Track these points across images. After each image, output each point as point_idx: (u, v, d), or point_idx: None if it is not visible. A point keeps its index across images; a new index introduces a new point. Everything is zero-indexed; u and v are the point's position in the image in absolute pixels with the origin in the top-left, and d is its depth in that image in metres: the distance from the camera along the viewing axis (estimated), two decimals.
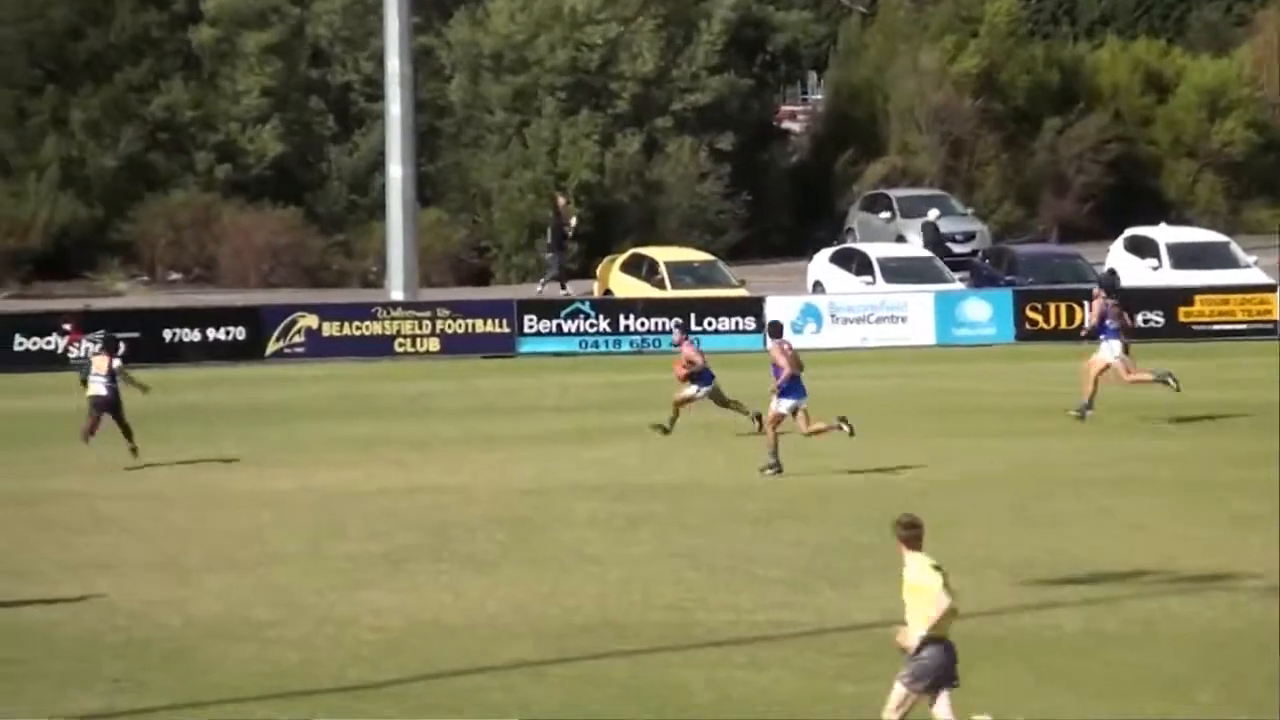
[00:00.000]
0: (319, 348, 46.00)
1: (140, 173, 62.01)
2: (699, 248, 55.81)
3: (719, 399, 32.15)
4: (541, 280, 55.08)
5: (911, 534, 14.34)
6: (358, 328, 46.62)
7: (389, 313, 47.38)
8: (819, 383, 30.32)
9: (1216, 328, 48.03)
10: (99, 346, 32.06)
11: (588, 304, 48.26)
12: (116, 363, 29.94)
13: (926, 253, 53.23)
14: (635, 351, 46.39)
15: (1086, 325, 35.30)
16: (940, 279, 50.05)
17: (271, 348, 46.04)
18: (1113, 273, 35.94)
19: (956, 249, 56.53)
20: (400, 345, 46.70)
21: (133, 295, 56.10)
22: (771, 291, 49.83)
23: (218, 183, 62.09)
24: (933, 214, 58.09)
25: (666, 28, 64.74)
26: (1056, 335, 46.08)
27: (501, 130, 63.71)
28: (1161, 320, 47.59)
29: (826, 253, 53.76)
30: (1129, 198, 64.84)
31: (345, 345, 46.21)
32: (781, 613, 20.20)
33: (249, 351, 45.64)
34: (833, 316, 48.03)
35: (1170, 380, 32.81)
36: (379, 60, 56.00)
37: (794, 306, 47.68)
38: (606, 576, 21.91)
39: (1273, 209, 68.04)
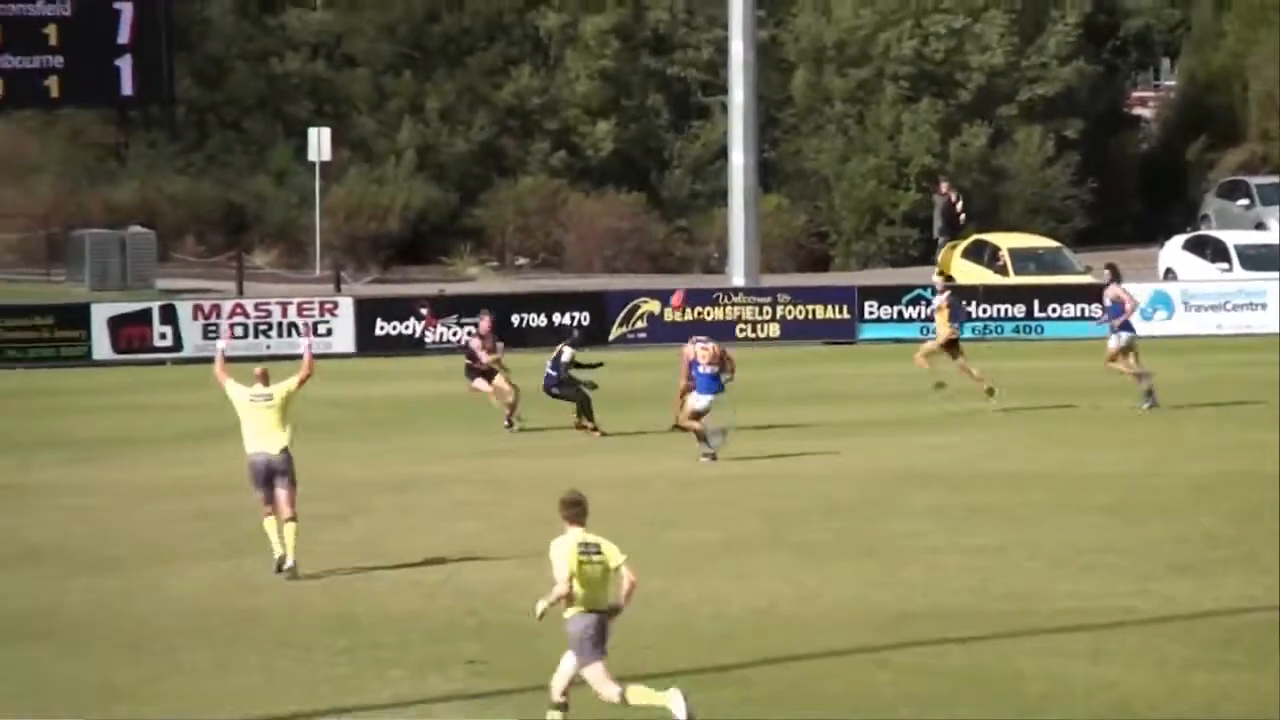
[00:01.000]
0: (662, 333, 46.44)
1: (491, 158, 63.13)
2: (1044, 234, 55.24)
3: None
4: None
5: (572, 511, 15.02)
6: (699, 313, 47.01)
7: (730, 298, 47.68)
8: (1171, 371, 29.77)
9: None
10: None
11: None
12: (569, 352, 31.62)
13: None
14: (976, 338, 46.04)
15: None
16: None
17: (615, 333, 46.61)
18: (1111, 266, 35.57)
19: None
20: (741, 331, 46.97)
21: (483, 280, 57.10)
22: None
23: (563, 169, 62.92)
24: None
25: (1018, 18, 64.08)
26: None
27: (840, 119, 63.62)
28: None
29: (1179, 240, 52.95)
30: None
31: (687, 330, 46.36)
32: (1126, 600, 19.87)
33: (593, 336, 46.13)
34: (1185, 304, 47.35)
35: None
36: (720, 49, 56.26)
37: (1144, 293, 46.93)
38: (944, 565, 21.78)
39: None
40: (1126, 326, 33.70)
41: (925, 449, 29.94)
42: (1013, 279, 48.77)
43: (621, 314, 46.70)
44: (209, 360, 29.96)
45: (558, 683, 15.24)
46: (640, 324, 46.81)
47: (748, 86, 51.46)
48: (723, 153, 55.40)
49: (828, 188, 62.85)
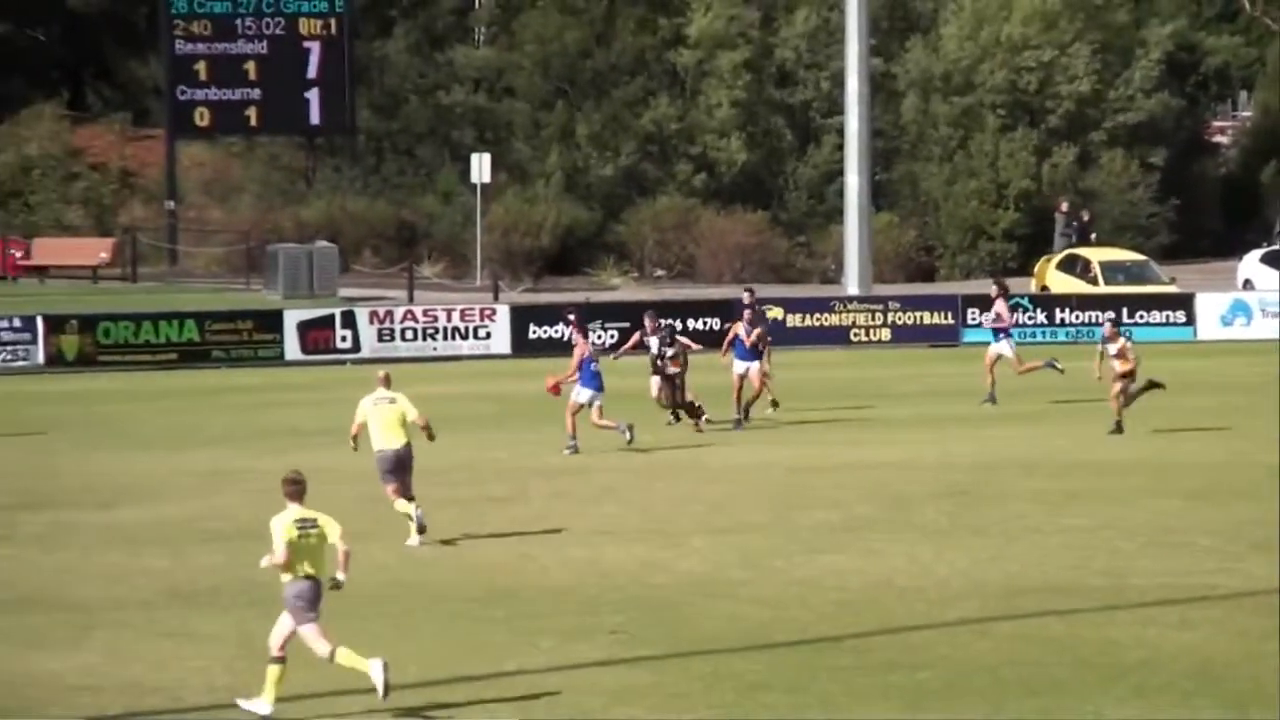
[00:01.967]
0: (784, 337, 46.02)
1: (633, 180, 63.04)
2: (1131, 249, 54.61)
3: None
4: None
5: (292, 489, 15.16)
6: (818, 319, 46.68)
7: (845, 306, 47.28)
8: (1251, 370, 29.21)
9: None
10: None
11: (1026, 299, 47.54)
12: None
13: None
14: (1070, 342, 45.54)
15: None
16: None
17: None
18: (999, 282, 35.58)
19: None
20: (855, 335, 46.61)
21: (625, 289, 56.96)
22: (1201, 289, 48.57)
23: (696, 189, 62.76)
24: None
25: (1102, 53, 63.46)
26: None
27: (946, 144, 63.17)
28: None
29: (1256, 253, 52.63)
30: None
31: (807, 335, 46.21)
32: (1212, 577, 19.51)
33: (720, 341, 45.78)
34: (1262, 311, 46.72)
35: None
36: (837, 80, 55.86)
37: (1224, 302, 46.76)
38: (1045, 544, 21.41)
39: None
40: (1008, 334, 34.18)
41: (1026, 440, 29.50)
42: (1103, 289, 48.22)
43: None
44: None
45: (274, 640, 15.29)
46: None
47: (861, 116, 51.03)
48: (839, 174, 54.95)
49: (935, 207, 62.38)
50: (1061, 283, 49.73)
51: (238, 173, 65.86)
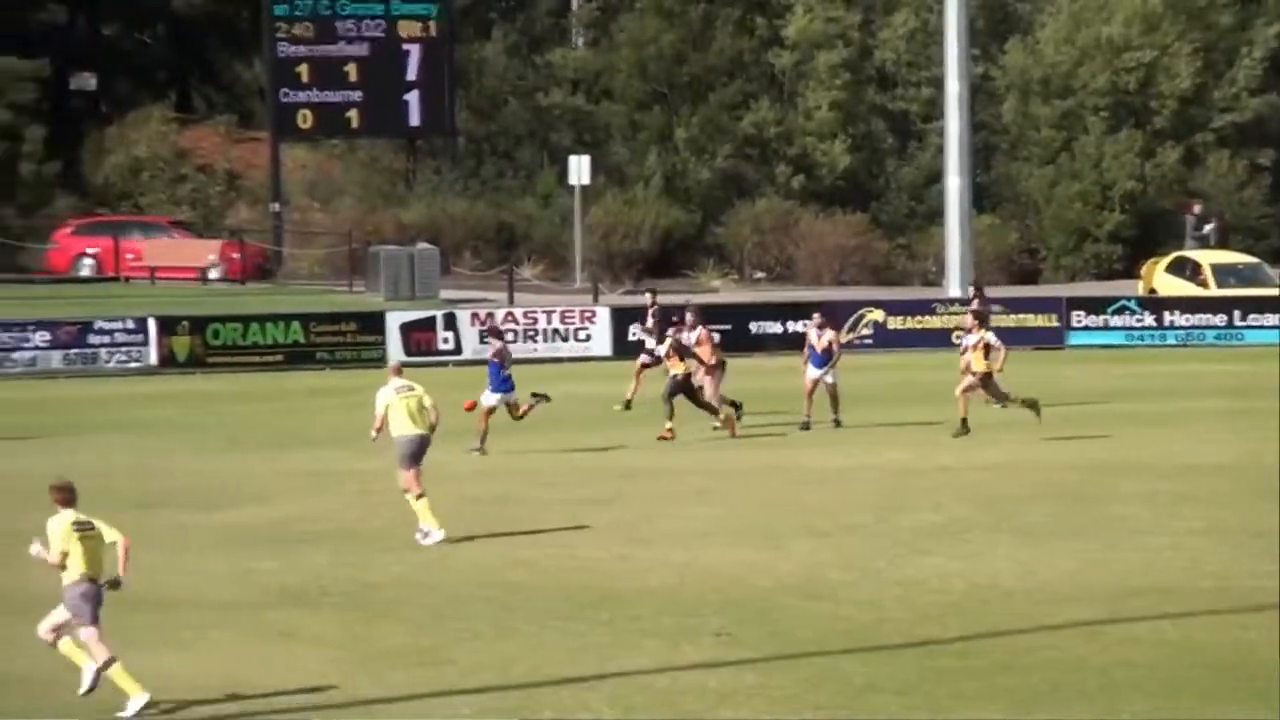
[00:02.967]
0: (885, 339, 45.91)
1: (731, 183, 62.98)
2: (1241, 251, 54.03)
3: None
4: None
5: (63, 495, 15.37)
6: (919, 322, 46.40)
7: (947, 308, 46.96)
8: None
9: None
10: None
11: (1134, 301, 47.13)
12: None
13: None
14: (1179, 345, 45.15)
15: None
16: None
17: (844, 338, 46.00)
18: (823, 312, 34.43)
19: None
20: (957, 338, 46.09)
21: (725, 291, 56.86)
22: None
23: (795, 192, 62.62)
24: None
25: (1204, 53, 62.82)
26: None
27: (1048, 145, 62.74)
28: None
29: None
30: None
31: (908, 337, 45.99)
32: None
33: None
34: None
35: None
36: (937, 84, 55.59)
37: None
38: (1154, 546, 21.16)
39: None
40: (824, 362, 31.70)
41: (1132, 442, 29.18)
42: (1214, 291, 47.70)
43: (849, 321, 46.10)
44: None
45: (43, 627, 15.51)
46: (866, 331, 46.23)
47: (961, 118, 50.80)
48: (939, 177, 54.69)
49: (1037, 210, 61.95)
50: (1170, 285, 49.23)
51: (339, 175, 66.25)
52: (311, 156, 66.73)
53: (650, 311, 34.28)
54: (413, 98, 61.48)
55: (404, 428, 22.40)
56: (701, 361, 31.31)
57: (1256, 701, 15.23)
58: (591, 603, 19.11)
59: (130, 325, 43.12)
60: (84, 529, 15.31)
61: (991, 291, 51.30)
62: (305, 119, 61.15)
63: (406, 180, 64.63)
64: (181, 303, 49.56)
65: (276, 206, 61.78)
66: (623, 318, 45.65)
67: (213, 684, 16.10)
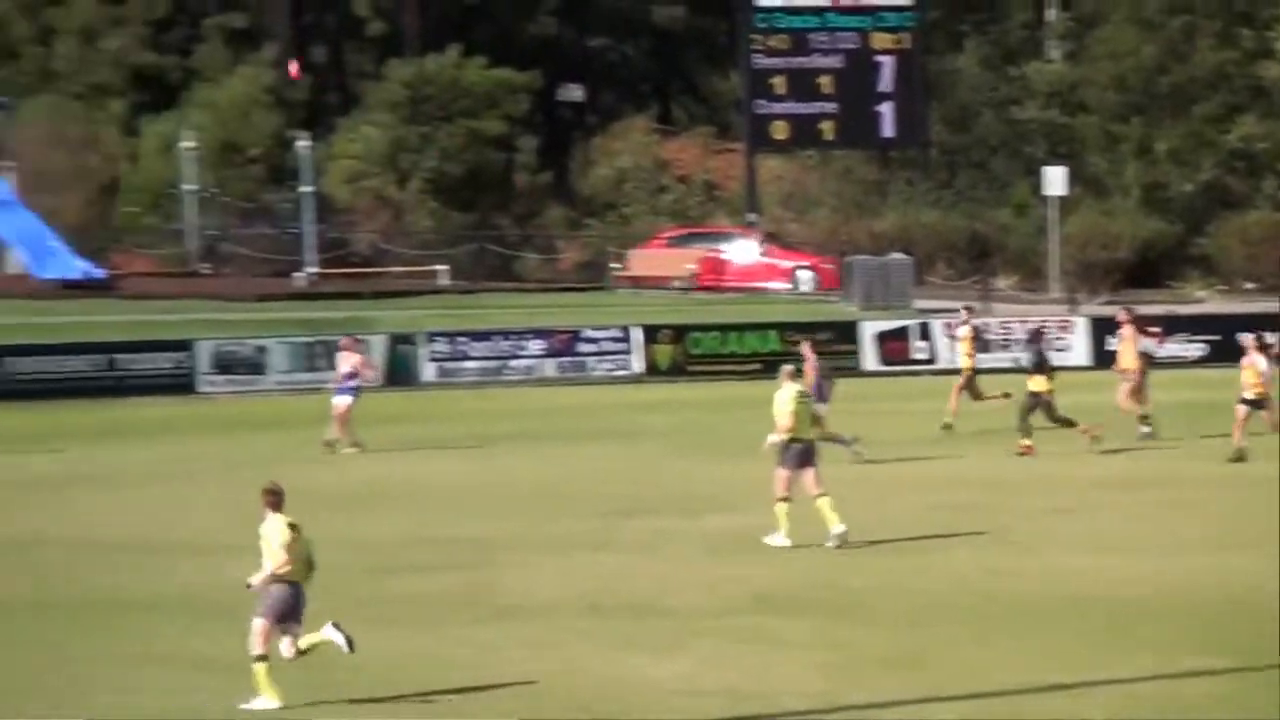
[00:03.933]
0: None
1: (1217, 195, 61.73)
2: None
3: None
4: None
5: (272, 499, 15.54)
6: None
7: None
8: None
9: None
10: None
11: None
12: None
13: None
14: None
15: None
16: None
17: None
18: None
19: None
20: None
21: (1211, 302, 55.77)
22: None
23: None
24: None
25: None
26: None
27: None
28: None
29: None
30: None
31: None
32: None
33: None
34: None
35: None
36: None
37: None
38: None
39: None
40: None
41: None
42: None
43: None
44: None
45: (284, 649, 15.63)
46: None
47: None
48: None
49: None
50: None
51: (813, 185, 66.94)
52: (786, 167, 67.59)
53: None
54: (886, 109, 61.76)
55: (788, 431, 22.88)
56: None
57: None
58: (1069, 611, 19.03)
59: (616, 334, 44.67)
60: (297, 532, 15.61)
61: None
62: (780, 130, 61.94)
63: (880, 191, 64.98)
64: (663, 312, 50.76)
65: (753, 217, 62.76)
66: (1101, 328, 45.20)
67: (703, 690, 16.20)
